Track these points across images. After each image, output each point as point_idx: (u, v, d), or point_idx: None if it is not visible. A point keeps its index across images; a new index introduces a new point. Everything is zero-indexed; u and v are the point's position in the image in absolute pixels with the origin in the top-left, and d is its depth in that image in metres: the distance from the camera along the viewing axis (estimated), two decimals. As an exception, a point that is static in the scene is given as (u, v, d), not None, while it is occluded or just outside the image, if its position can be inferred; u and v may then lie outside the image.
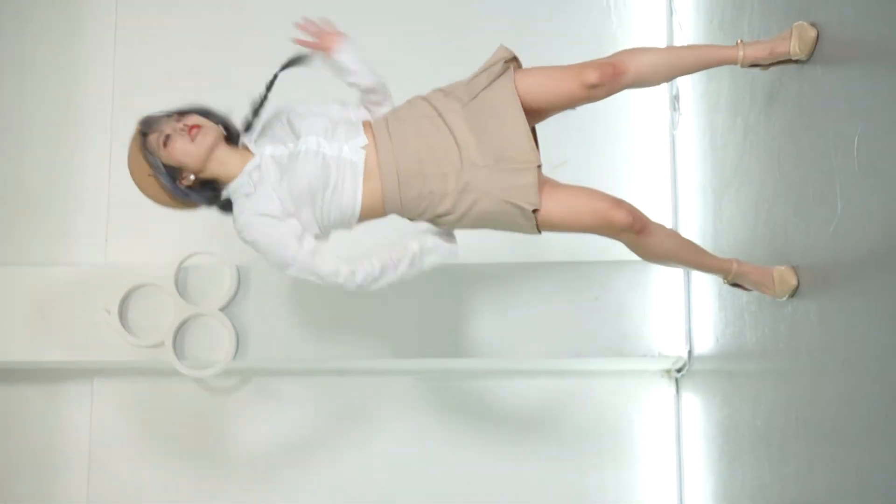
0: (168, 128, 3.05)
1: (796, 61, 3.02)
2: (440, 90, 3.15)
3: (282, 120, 3.14)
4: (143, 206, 3.20)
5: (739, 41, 3.10)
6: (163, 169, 3.05)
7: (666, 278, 4.39)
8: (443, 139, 3.05)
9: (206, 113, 3.13)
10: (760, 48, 3.04)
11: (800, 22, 2.95)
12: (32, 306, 4.57)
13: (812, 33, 2.89)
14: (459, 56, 4.58)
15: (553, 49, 4.56)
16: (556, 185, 3.08)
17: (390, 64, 4.72)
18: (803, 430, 3.03)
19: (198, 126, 3.05)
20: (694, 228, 4.27)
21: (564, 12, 4.78)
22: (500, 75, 3.09)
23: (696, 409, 4.38)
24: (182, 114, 3.09)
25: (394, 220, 3.18)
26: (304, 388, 4.76)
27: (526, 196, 3.00)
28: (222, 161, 3.07)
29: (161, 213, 3.23)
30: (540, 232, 3.08)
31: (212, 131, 3.07)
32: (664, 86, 4.53)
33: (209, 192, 3.12)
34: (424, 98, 3.14)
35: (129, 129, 4.76)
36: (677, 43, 4.54)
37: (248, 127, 3.16)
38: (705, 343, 4.19)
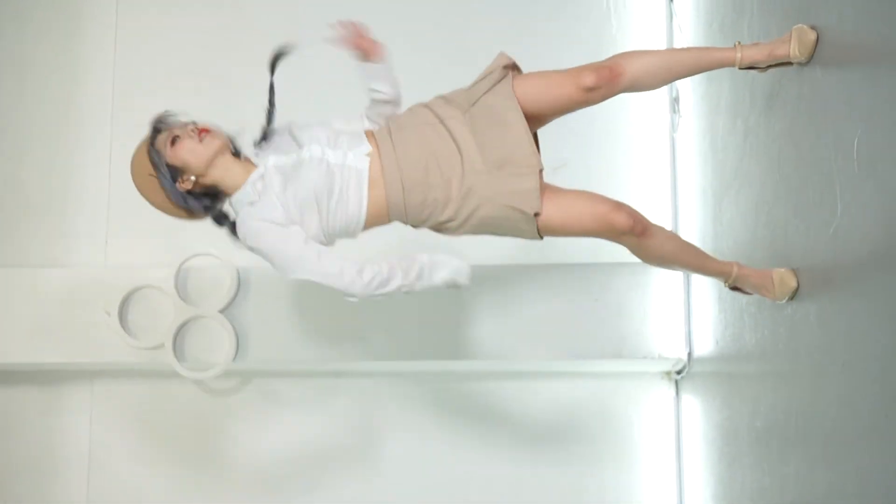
0: (178, 129, 3.06)
1: (795, 64, 3.02)
2: (441, 97, 3.16)
3: (283, 133, 3.14)
4: (144, 208, 3.19)
5: (737, 43, 3.10)
6: (165, 168, 3.04)
7: (666, 280, 4.39)
8: (445, 146, 3.05)
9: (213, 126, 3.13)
10: (759, 50, 3.05)
11: (799, 25, 2.95)
12: (32, 308, 4.57)
13: (812, 36, 2.90)
14: (460, 59, 4.60)
15: (553, 52, 4.57)
16: (556, 190, 3.09)
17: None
18: (803, 432, 3.03)
19: (208, 130, 3.07)
20: (694, 230, 4.27)
21: (564, 15, 4.79)
22: (498, 81, 3.10)
23: (696, 411, 4.38)
24: (194, 122, 3.10)
25: (398, 228, 3.19)
26: (303, 390, 4.76)
27: (527, 201, 3.01)
28: (226, 168, 3.07)
29: (161, 215, 3.23)
30: (542, 237, 3.08)
31: (220, 137, 3.08)
32: (664, 88, 4.54)
33: (207, 199, 3.11)
34: (425, 105, 3.15)
35: (130, 129, 4.76)
36: (677, 46, 4.55)
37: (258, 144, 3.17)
38: (705, 345, 4.19)
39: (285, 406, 4.76)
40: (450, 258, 3.07)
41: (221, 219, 3.15)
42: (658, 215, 4.36)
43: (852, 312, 2.64)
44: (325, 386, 4.76)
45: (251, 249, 3.05)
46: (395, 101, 3.21)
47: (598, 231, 3.05)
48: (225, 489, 4.74)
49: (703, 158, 4.19)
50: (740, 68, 3.10)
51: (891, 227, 2.41)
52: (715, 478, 4.07)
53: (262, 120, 3.19)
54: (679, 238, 3.31)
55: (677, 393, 4.63)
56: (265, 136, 3.15)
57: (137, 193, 3.13)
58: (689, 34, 4.41)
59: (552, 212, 3.03)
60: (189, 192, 3.08)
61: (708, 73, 3.99)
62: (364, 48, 3.22)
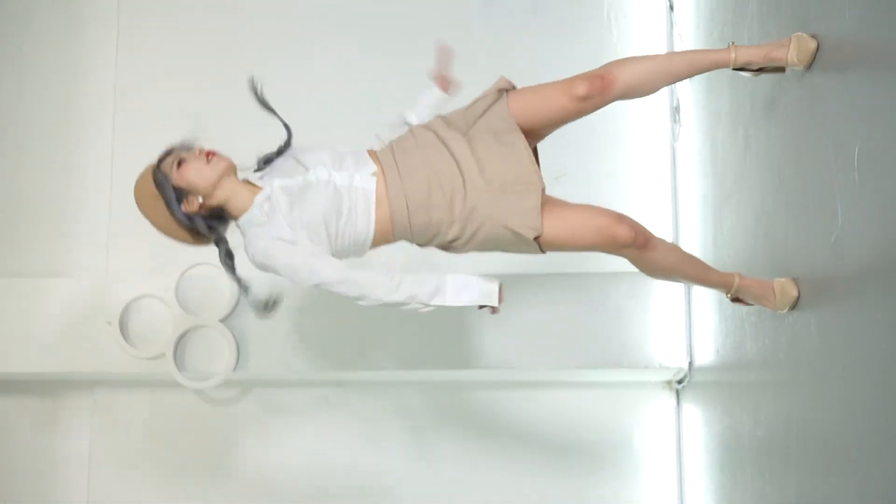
0: (185, 153, 3.07)
1: (788, 72, 3.05)
2: (441, 118, 3.17)
3: (287, 157, 3.15)
4: (145, 218, 3.19)
5: (732, 43, 3.11)
6: (170, 190, 3.04)
7: (666, 289, 4.39)
8: (447, 167, 3.06)
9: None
10: (754, 51, 3.06)
11: (800, 33, 2.96)
12: (33, 318, 4.58)
13: (812, 45, 2.90)
14: (461, 71, 4.62)
15: (553, 63, 4.58)
16: (557, 205, 3.09)
17: (391, 80, 4.79)
18: (804, 441, 3.03)
19: (214, 152, 3.07)
20: (694, 240, 4.28)
21: (565, 26, 4.80)
22: (494, 102, 3.11)
23: (697, 421, 4.38)
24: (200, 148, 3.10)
25: (407, 246, 3.21)
26: (304, 400, 4.76)
27: (529, 221, 3.02)
28: (231, 190, 3.07)
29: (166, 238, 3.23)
30: (544, 252, 3.09)
31: (226, 160, 3.08)
32: (665, 97, 4.56)
33: (213, 220, 3.11)
34: (427, 126, 3.16)
35: (131, 136, 4.83)
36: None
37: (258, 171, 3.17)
38: (706, 354, 4.19)
39: (286, 415, 4.75)
40: (479, 281, 3.02)
41: (221, 242, 3.14)
42: (659, 225, 4.37)
43: (853, 321, 2.64)
44: (326, 395, 4.76)
45: (262, 268, 3.05)
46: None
47: (600, 245, 3.05)
48: (225, 498, 4.73)
49: (704, 168, 4.19)
50: (734, 68, 3.10)
51: (891, 236, 2.41)
52: (716, 487, 4.06)
53: (265, 148, 3.19)
54: (680, 250, 3.31)
55: (678, 402, 4.63)
56: (268, 161, 3.16)
57: (141, 217, 3.12)
58: (689, 43, 4.42)
59: (554, 228, 3.04)
60: (194, 214, 3.08)
61: (708, 82, 4.03)
62: (444, 87, 3.27)
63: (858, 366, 2.59)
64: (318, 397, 4.76)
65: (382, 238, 3.11)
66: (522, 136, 3.08)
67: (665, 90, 4.42)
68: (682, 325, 4.42)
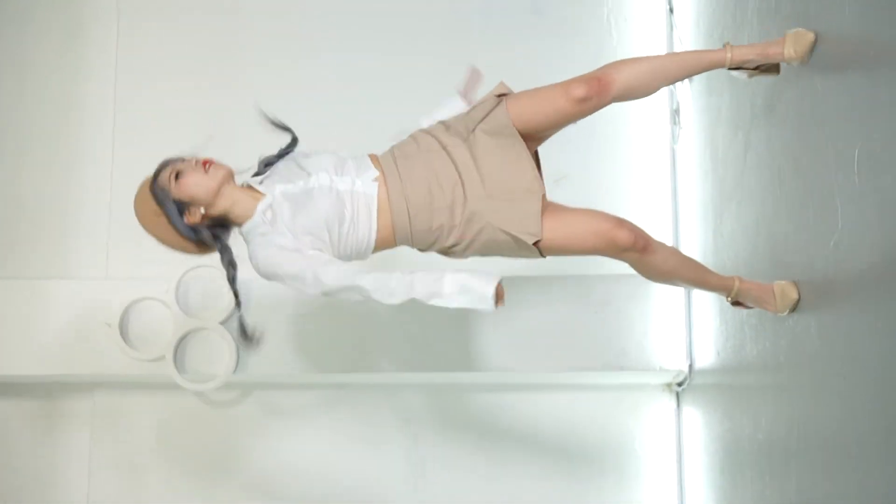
0: (181, 165, 3.06)
1: (777, 72, 3.08)
2: (442, 123, 3.18)
3: (288, 161, 3.15)
4: (149, 235, 3.19)
5: (726, 43, 3.12)
6: (171, 204, 3.05)
7: (667, 292, 4.39)
8: (448, 173, 3.07)
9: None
10: (750, 49, 3.08)
11: (796, 28, 2.97)
12: (33, 320, 4.57)
13: (810, 37, 2.92)
14: (459, 72, 4.62)
15: (553, 64, 4.60)
16: (557, 210, 3.10)
17: (392, 84, 4.79)
18: (804, 444, 3.03)
19: (211, 161, 3.07)
20: (695, 243, 4.28)
21: (564, 29, 4.80)
22: (493, 108, 3.11)
23: (697, 423, 4.38)
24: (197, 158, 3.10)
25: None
26: (304, 402, 4.76)
27: (528, 226, 3.02)
28: (233, 198, 3.08)
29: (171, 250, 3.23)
30: (544, 256, 3.09)
31: (224, 167, 3.08)
32: (664, 100, 4.56)
33: (217, 229, 3.11)
34: (428, 132, 3.16)
35: (132, 137, 4.83)
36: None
37: (257, 176, 3.16)
38: (706, 357, 4.19)
39: (286, 418, 4.75)
40: (477, 283, 2.94)
41: (225, 251, 3.14)
42: (659, 228, 4.38)
43: (853, 324, 2.64)
44: (326, 398, 4.76)
45: (267, 277, 3.05)
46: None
47: (600, 249, 3.06)
48: (226, 501, 4.73)
49: (704, 171, 4.19)
50: (729, 68, 3.12)
51: (891, 239, 2.42)
52: (716, 490, 4.06)
53: (265, 148, 3.20)
54: (680, 254, 3.31)
55: (678, 405, 4.63)
56: (268, 164, 3.16)
57: (146, 234, 3.13)
58: (689, 46, 4.42)
59: (554, 232, 3.04)
60: (198, 224, 3.08)
61: (708, 84, 4.04)
62: (469, 101, 3.25)
63: (858, 368, 2.60)
64: (319, 399, 4.76)
65: (384, 243, 3.12)
66: (522, 141, 3.09)
67: (665, 93, 4.46)
68: (683, 328, 4.42)
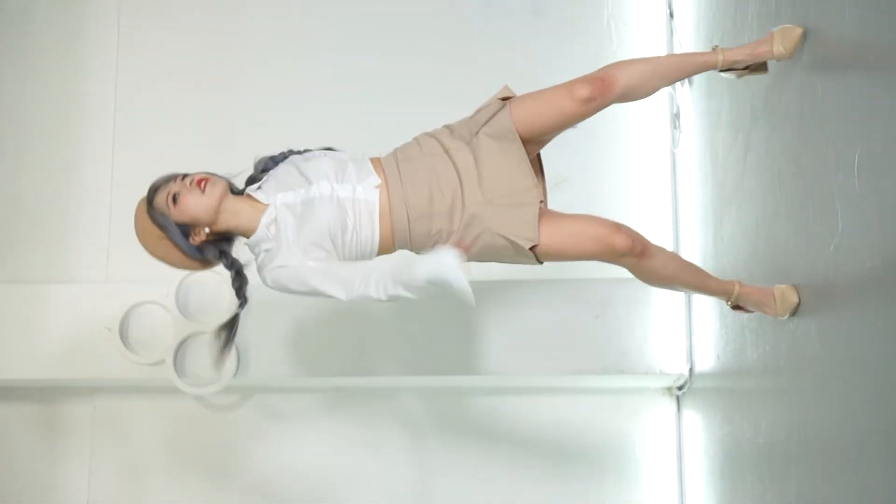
0: (175, 187, 3.04)
1: (766, 70, 3.14)
2: (446, 127, 3.18)
3: (288, 166, 3.13)
4: (158, 261, 3.18)
5: (715, 46, 3.21)
6: (175, 228, 3.04)
7: (667, 296, 4.39)
8: (450, 177, 3.07)
9: (209, 173, 3.12)
10: (739, 50, 3.15)
11: (782, 25, 3.01)
12: (33, 324, 4.57)
13: (797, 32, 2.98)
14: (461, 80, 4.63)
15: (553, 65, 4.60)
16: (555, 216, 3.10)
17: (391, 80, 4.79)
18: (804, 448, 3.03)
19: (206, 179, 3.04)
20: (695, 247, 4.27)
21: (564, 33, 4.79)
22: (497, 112, 3.11)
23: (698, 427, 4.37)
24: (186, 175, 3.07)
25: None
26: (304, 406, 4.76)
27: (525, 231, 3.03)
28: (234, 212, 3.06)
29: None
30: (542, 262, 3.10)
31: (220, 182, 3.06)
32: (664, 103, 4.56)
33: (223, 243, 3.11)
34: (431, 135, 3.16)
35: (133, 139, 4.83)
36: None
37: (253, 181, 3.15)
38: (706, 361, 4.19)
39: (286, 422, 4.75)
40: (439, 257, 2.83)
41: (233, 265, 3.14)
42: (658, 232, 4.38)
43: (853, 327, 2.64)
44: (326, 401, 4.75)
45: (277, 289, 3.05)
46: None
47: (598, 254, 3.06)
48: (226, 504, 4.74)
49: (704, 174, 4.19)
50: (720, 71, 3.19)
51: (892, 242, 2.41)
52: (716, 494, 4.06)
53: (264, 148, 3.19)
54: (679, 258, 3.31)
55: (678, 409, 4.62)
56: (265, 169, 3.15)
57: (152, 258, 3.12)
58: (689, 50, 4.41)
59: (551, 237, 3.05)
60: (204, 243, 3.08)
61: (708, 88, 4.05)
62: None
63: (859, 371, 2.60)
64: (319, 403, 4.75)
65: (384, 248, 3.12)
66: (522, 148, 3.09)
67: (665, 97, 4.46)
68: (683, 332, 4.42)
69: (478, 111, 3.16)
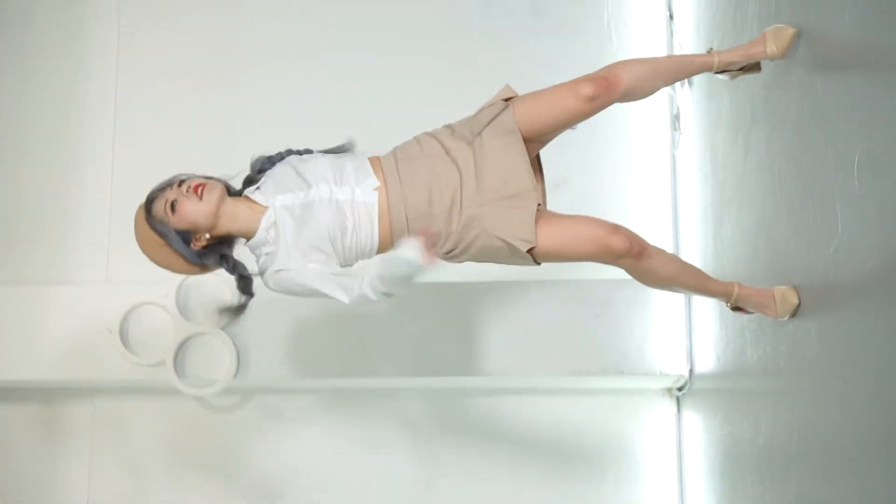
0: (172, 194, 3.04)
1: (759, 70, 3.18)
2: (447, 127, 3.18)
3: (285, 167, 3.13)
4: (162, 268, 3.19)
5: (710, 49, 3.27)
6: (174, 235, 3.04)
7: (667, 297, 4.38)
8: (449, 178, 3.07)
9: (205, 177, 3.11)
10: (733, 52, 3.20)
11: (774, 25, 3.05)
12: (33, 325, 4.57)
13: (790, 31, 3.02)
14: (462, 80, 4.63)
15: (553, 67, 4.58)
16: (552, 217, 3.10)
17: (392, 84, 4.79)
18: (804, 449, 3.03)
19: (202, 184, 3.04)
20: (695, 248, 4.27)
21: (564, 34, 4.79)
22: (500, 113, 3.10)
23: (698, 428, 4.37)
24: (182, 181, 3.07)
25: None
26: (304, 406, 4.76)
27: (522, 233, 3.03)
28: (233, 216, 3.07)
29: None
30: (539, 263, 3.10)
31: (217, 187, 3.06)
32: (664, 105, 4.56)
33: (223, 247, 3.12)
34: (432, 135, 3.16)
35: (131, 134, 4.82)
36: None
37: (250, 182, 3.15)
38: (706, 362, 4.19)
39: (286, 423, 4.75)
40: (401, 247, 2.89)
41: (236, 268, 3.15)
42: (658, 233, 4.38)
43: (853, 328, 2.64)
44: (326, 402, 4.75)
45: (281, 292, 3.06)
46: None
47: (595, 255, 3.06)
48: (226, 505, 4.74)
49: (704, 175, 4.19)
50: (715, 72, 3.23)
51: (892, 243, 2.41)
52: (716, 495, 4.06)
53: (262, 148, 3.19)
54: (678, 260, 3.31)
55: (679, 410, 4.62)
56: (262, 170, 3.14)
57: (155, 265, 3.14)
58: (689, 52, 4.41)
59: (549, 238, 3.05)
60: (205, 248, 3.08)
61: (708, 89, 4.05)
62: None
63: (859, 372, 2.59)
64: (319, 404, 4.75)
65: (383, 248, 3.12)
66: (524, 149, 3.09)
67: (665, 98, 4.46)
68: (683, 333, 4.42)
69: (480, 111, 3.15)
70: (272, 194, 3.07)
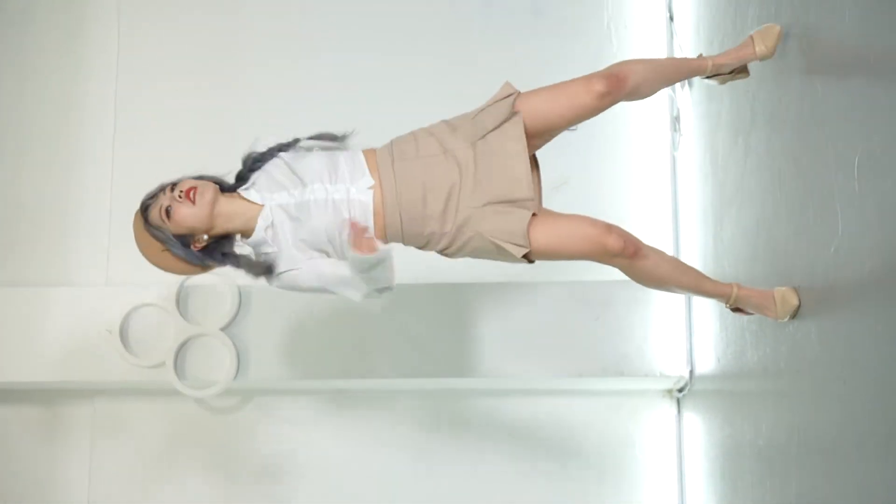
0: (165, 200, 3.06)
1: (747, 74, 3.26)
2: (447, 123, 3.17)
3: (279, 164, 3.14)
4: (168, 273, 3.20)
5: (701, 54, 3.34)
6: (174, 240, 3.06)
7: (667, 298, 4.38)
8: (446, 178, 3.08)
9: (196, 177, 3.12)
10: (725, 56, 3.26)
11: (762, 26, 3.13)
12: (33, 327, 4.57)
13: (776, 30, 3.11)
14: (462, 79, 4.62)
15: (553, 71, 4.53)
16: (548, 215, 3.11)
17: (392, 84, 4.79)
18: (805, 450, 3.02)
19: (193, 188, 3.05)
20: (695, 249, 4.27)
21: (565, 36, 4.79)
22: (507, 118, 3.09)
23: (698, 429, 4.37)
24: (174, 185, 3.08)
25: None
26: (304, 408, 4.76)
27: (516, 237, 3.03)
28: (228, 215, 3.08)
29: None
30: (532, 262, 3.11)
31: (208, 188, 3.07)
32: (664, 106, 4.56)
33: (225, 246, 3.13)
34: (430, 133, 3.15)
35: (131, 134, 4.82)
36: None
37: (242, 178, 3.15)
38: (706, 363, 4.18)
39: (286, 424, 4.75)
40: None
41: (240, 263, 3.15)
42: (658, 234, 4.38)
43: (854, 330, 2.64)
44: (326, 404, 4.75)
45: (286, 290, 3.10)
46: None
47: (590, 254, 3.07)
48: (226, 507, 4.73)
49: (704, 176, 4.19)
50: (707, 75, 3.29)
51: (892, 244, 2.41)
52: (717, 496, 4.05)
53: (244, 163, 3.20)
54: (674, 260, 3.30)
55: (679, 411, 4.62)
56: (252, 169, 3.14)
57: (160, 270, 3.16)
58: (689, 54, 4.41)
59: (544, 236, 3.05)
60: (206, 248, 3.10)
61: (708, 91, 4.06)
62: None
63: (859, 373, 2.59)
64: (318, 405, 4.75)
65: None
66: (526, 152, 3.08)
67: (665, 99, 4.46)
68: (683, 334, 4.42)
69: (482, 110, 3.13)
70: (267, 192, 3.09)
